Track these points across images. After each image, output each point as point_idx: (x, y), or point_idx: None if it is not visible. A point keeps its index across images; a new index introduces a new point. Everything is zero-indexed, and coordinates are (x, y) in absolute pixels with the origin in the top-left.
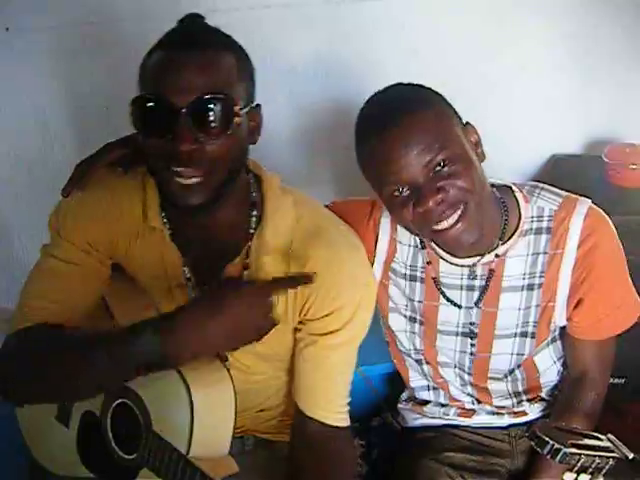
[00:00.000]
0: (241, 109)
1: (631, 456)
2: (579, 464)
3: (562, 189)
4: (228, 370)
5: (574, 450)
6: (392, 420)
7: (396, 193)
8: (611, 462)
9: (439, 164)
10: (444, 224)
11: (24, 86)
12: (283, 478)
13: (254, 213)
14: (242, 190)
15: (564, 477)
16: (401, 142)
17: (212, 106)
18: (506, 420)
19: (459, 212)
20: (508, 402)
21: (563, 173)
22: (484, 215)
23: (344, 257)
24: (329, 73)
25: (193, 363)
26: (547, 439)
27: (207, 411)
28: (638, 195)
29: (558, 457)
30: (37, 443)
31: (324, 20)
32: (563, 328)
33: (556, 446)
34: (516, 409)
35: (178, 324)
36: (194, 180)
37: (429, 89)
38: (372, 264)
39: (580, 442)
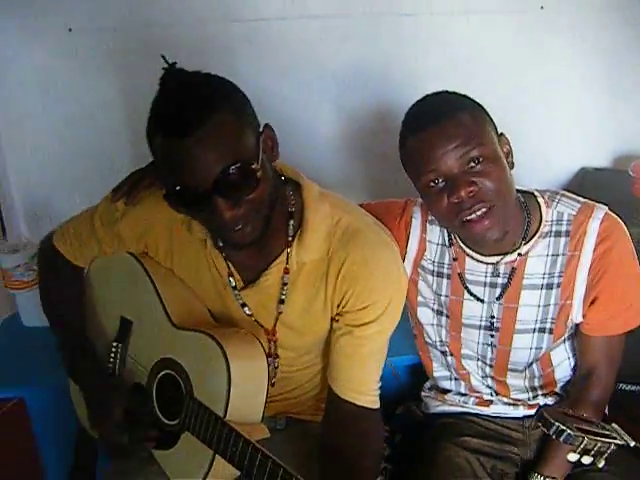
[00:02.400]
0: (256, 163)
1: (632, 444)
2: (582, 446)
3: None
4: (262, 344)
5: (577, 433)
6: (415, 408)
7: (432, 184)
8: (613, 447)
9: (474, 160)
10: (473, 216)
11: (84, 83)
12: (314, 454)
13: (291, 222)
14: (282, 205)
15: (568, 457)
16: (441, 137)
17: (236, 176)
18: (521, 411)
19: (486, 209)
20: (524, 395)
21: (591, 185)
22: (509, 216)
23: (378, 256)
24: (368, 82)
25: (231, 337)
26: (553, 421)
27: (242, 381)
28: None
29: (562, 437)
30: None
31: (365, 31)
32: (577, 325)
33: (561, 427)
34: (531, 402)
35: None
36: (243, 229)
37: (470, 98)
38: (403, 261)
39: (585, 427)
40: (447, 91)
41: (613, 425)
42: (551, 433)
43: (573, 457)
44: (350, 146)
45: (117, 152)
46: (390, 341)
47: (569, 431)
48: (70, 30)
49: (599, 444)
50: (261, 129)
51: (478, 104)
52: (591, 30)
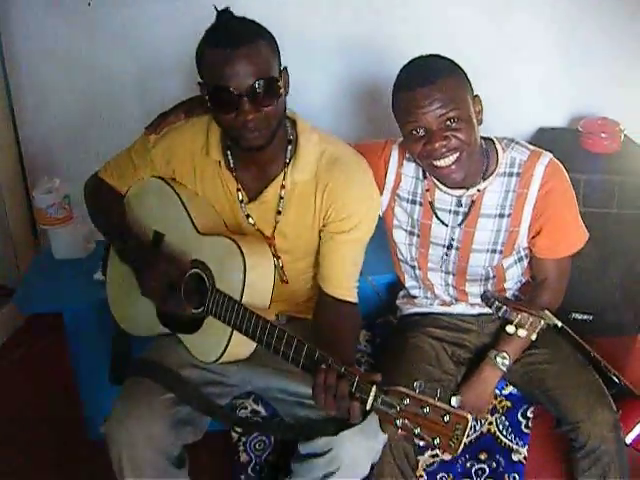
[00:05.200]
0: (280, 81)
1: (560, 324)
2: (516, 320)
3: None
4: (271, 247)
5: (513, 310)
6: (391, 318)
7: (414, 132)
8: (542, 324)
9: (450, 120)
10: (442, 163)
11: (100, 50)
12: (308, 339)
13: (289, 148)
14: (282, 131)
15: (506, 328)
16: (426, 98)
17: (263, 88)
18: (477, 310)
19: (454, 157)
20: (479, 299)
21: (547, 141)
22: (471, 163)
23: (355, 179)
24: (354, 50)
25: (245, 239)
26: (493, 300)
27: (255, 272)
28: (605, 159)
29: (500, 312)
30: (123, 314)
31: (350, 4)
32: (530, 250)
33: (499, 304)
34: None
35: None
36: (256, 133)
37: (455, 63)
38: (382, 191)
39: (521, 308)
40: (437, 55)
41: (545, 311)
42: (492, 309)
43: (510, 329)
44: (336, 106)
45: (127, 116)
46: (373, 262)
47: (505, 307)
48: (89, 4)
49: (531, 319)
50: (283, 68)
51: (460, 69)
52: (548, 6)
